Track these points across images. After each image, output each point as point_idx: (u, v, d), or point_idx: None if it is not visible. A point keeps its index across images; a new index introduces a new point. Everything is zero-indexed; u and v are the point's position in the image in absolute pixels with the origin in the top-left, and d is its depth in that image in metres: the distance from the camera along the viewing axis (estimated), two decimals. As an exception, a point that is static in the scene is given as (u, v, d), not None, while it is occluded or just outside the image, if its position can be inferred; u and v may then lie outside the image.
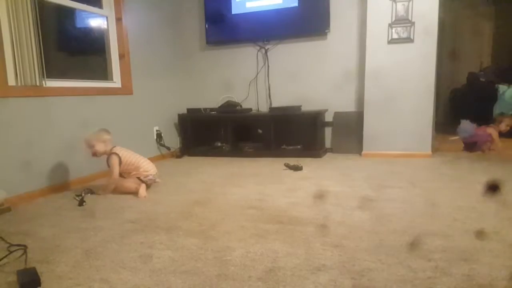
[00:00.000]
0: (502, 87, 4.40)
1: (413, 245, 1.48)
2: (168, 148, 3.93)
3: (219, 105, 4.01)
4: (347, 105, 3.76)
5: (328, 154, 3.72)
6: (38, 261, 1.46)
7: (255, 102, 4.07)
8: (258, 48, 3.99)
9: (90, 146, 2.46)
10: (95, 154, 2.49)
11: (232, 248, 1.51)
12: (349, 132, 3.70)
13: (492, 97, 4.42)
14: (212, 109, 4.00)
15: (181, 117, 4.06)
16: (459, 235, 1.57)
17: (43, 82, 2.49)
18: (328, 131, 3.87)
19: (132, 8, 3.44)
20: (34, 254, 1.52)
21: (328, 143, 3.88)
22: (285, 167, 3.04)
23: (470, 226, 1.66)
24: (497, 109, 4.37)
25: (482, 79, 4.87)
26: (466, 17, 5.55)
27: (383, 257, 1.38)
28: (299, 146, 3.72)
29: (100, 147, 2.47)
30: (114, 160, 2.48)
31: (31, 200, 2.40)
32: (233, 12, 3.95)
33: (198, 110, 4.02)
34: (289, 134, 3.79)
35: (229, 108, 3.92)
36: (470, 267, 1.28)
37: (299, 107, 3.73)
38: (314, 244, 1.52)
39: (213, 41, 4.12)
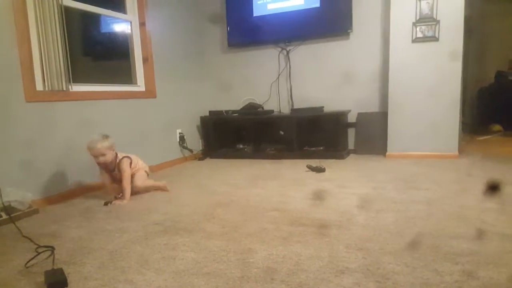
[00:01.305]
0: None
1: (439, 247, 1.44)
2: (191, 151, 3.99)
3: (241, 107, 4.03)
4: (371, 105, 3.70)
5: (351, 155, 3.68)
6: (65, 262, 1.50)
7: (277, 103, 4.07)
8: (279, 49, 3.99)
9: (102, 155, 2.33)
10: (104, 163, 2.37)
11: (254, 250, 1.52)
12: (372, 133, 3.64)
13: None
14: (234, 111, 4.03)
15: (203, 120, 4.11)
16: (487, 238, 1.52)
17: (69, 86, 2.58)
18: (351, 132, 3.82)
19: (155, 12, 3.51)
20: (61, 255, 1.57)
21: (351, 144, 3.83)
22: (307, 169, 3.03)
23: (499, 229, 1.60)
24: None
25: (510, 78, 4.69)
26: (494, 13, 5.35)
27: (408, 260, 1.35)
28: (321, 148, 3.69)
29: (110, 156, 2.38)
30: (127, 164, 2.44)
31: (59, 202, 2.49)
32: (254, 15, 3.97)
33: (220, 112, 4.06)
34: (312, 135, 3.77)
35: (251, 110, 3.93)
36: (498, 271, 1.24)
37: (321, 108, 3.70)
38: (338, 247, 1.51)
39: (234, 44, 4.15)
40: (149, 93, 3.46)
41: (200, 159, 3.97)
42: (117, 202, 2.38)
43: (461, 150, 3.32)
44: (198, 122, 4.15)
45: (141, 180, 2.54)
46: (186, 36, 4.03)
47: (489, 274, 1.23)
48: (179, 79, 3.87)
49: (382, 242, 1.54)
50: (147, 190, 2.60)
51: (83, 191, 2.69)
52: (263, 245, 1.56)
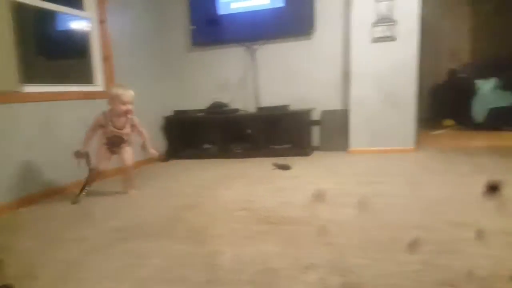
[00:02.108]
0: (480, 83, 4.52)
1: (400, 238, 1.50)
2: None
3: (207, 106, 3.99)
4: (334, 103, 3.79)
5: (316, 152, 3.75)
6: (17, 277, 1.40)
7: (243, 102, 4.06)
8: (245, 48, 3.98)
9: (132, 103, 2.37)
10: (131, 112, 2.39)
11: (222, 252, 1.50)
12: (336, 130, 3.73)
13: (471, 92, 4.53)
14: (199, 111, 3.98)
15: (168, 120, 4.02)
16: (445, 227, 1.60)
17: (21, 87, 2.42)
18: (316, 130, 3.90)
19: (116, 10, 3.39)
20: (12, 269, 1.46)
21: (316, 141, 3.91)
22: (274, 167, 3.05)
23: (455, 218, 1.69)
24: (476, 105, 4.48)
25: (461, 75, 4.99)
26: (446, 16, 5.66)
27: (371, 253, 1.40)
28: (287, 145, 3.74)
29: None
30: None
31: (8, 211, 2.33)
32: (219, 13, 3.94)
33: (185, 112, 3.99)
34: (278, 133, 3.80)
35: (217, 109, 3.90)
36: (454, 258, 1.32)
37: (286, 107, 3.75)
38: (304, 243, 1.53)
39: (199, 43, 4.10)
40: (109, 93, 3.33)
41: (164, 160, 3.88)
42: (132, 192, 2.46)
43: (417, 144, 3.48)
44: (162, 122, 4.06)
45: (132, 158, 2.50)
46: (149, 34, 3.92)
47: (446, 262, 1.29)
48: (141, 79, 3.76)
49: (347, 236, 1.58)
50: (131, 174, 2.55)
51: (46, 194, 2.55)
52: (230, 246, 1.55)
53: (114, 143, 2.46)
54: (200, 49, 4.15)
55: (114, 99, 2.35)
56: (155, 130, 4.00)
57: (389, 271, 1.26)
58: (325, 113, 3.81)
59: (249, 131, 3.83)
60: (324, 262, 1.35)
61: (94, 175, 2.50)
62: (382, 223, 1.71)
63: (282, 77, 3.93)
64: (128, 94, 2.35)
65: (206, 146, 4.02)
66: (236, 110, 3.94)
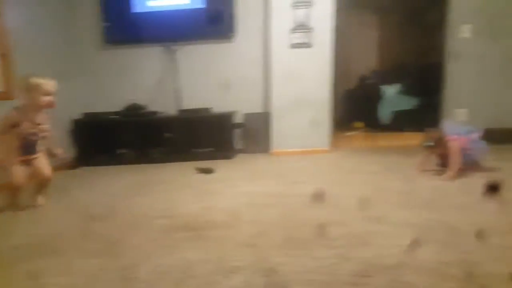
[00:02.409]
0: (385, 88, 5.01)
1: (319, 236, 1.56)
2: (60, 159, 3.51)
3: (123, 108, 3.74)
4: (256, 106, 3.85)
5: (240, 155, 3.76)
6: None
7: (163, 104, 3.90)
8: (164, 49, 3.83)
9: (54, 93, 2.12)
10: (54, 104, 2.13)
11: (139, 264, 1.40)
12: (258, 132, 3.79)
13: (378, 96, 5.00)
14: (114, 113, 3.71)
15: (77, 123, 3.67)
16: (357, 222, 1.71)
17: None
18: (239, 132, 3.91)
19: (15, 2, 2.99)
20: None
21: (239, 144, 3.93)
22: (196, 171, 2.97)
23: (366, 213, 1.82)
24: (382, 108, 4.94)
25: (370, 81, 5.47)
26: (357, 24, 6.16)
27: (292, 251, 1.43)
28: (210, 149, 3.68)
29: None
30: None
31: None
32: (133, 11, 3.73)
33: (98, 114, 3.69)
34: (200, 137, 3.72)
35: (134, 111, 3.68)
36: (366, 250, 1.41)
37: (208, 109, 3.69)
38: (227, 247, 1.50)
39: (113, 41, 3.83)
40: (6, 94, 2.93)
41: (72, 168, 3.52)
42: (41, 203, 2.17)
43: (332, 145, 3.71)
44: (70, 126, 3.69)
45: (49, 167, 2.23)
46: (55, 30, 3.54)
47: (359, 254, 1.37)
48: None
49: (269, 236, 1.60)
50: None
51: None
52: (148, 257, 1.45)
53: (31, 145, 2.15)
54: (114, 47, 3.88)
55: (33, 90, 2.06)
56: (62, 134, 3.60)
57: (308, 267, 1.29)
58: (248, 116, 3.85)
59: (169, 134, 3.69)
60: (247, 264, 1.34)
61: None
62: (302, 222, 1.76)
63: (204, 79, 3.87)
64: (51, 83, 2.11)
65: (121, 151, 3.76)
66: (155, 113, 3.76)
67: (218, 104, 3.78)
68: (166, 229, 1.75)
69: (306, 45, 3.53)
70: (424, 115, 4.22)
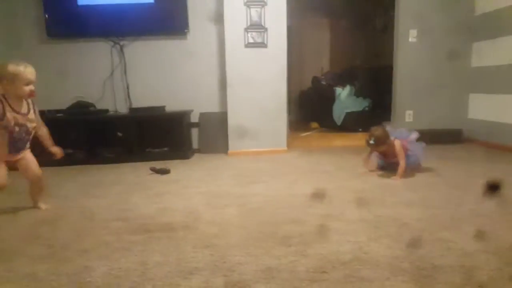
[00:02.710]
0: (338, 90, 5.20)
1: (276, 233, 1.59)
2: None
3: (68, 106, 3.52)
4: (213, 105, 3.82)
5: (196, 155, 3.71)
6: None
7: (113, 102, 3.74)
8: (112, 44, 3.67)
9: (34, 81, 1.95)
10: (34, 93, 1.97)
11: (92, 267, 1.33)
12: (215, 132, 3.76)
13: (331, 98, 5.18)
14: (58, 111, 3.49)
15: (19, 122, 3.40)
16: (313, 219, 1.77)
17: None
18: (195, 132, 3.86)
19: None
20: None
21: (195, 144, 3.87)
22: (151, 171, 2.89)
23: (321, 211, 1.88)
24: (335, 109, 5.13)
25: (323, 83, 5.64)
26: (309, 26, 6.34)
27: (251, 250, 1.44)
28: (165, 148, 3.59)
29: None
30: None
31: None
32: (79, 3, 3.53)
33: (41, 112, 3.42)
34: (154, 136, 3.61)
35: (81, 109, 3.49)
36: (322, 246, 1.45)
37: (163, 108, 3.60)
38: (185, 248, 1.48)
39: (56, 34, 3.60)
40: None
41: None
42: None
43: (288, 145, 3.79)
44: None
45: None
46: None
47: (315, 250, 1.42)
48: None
49: (227, 236, 1.60)
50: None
51: None
52: (102, 261, 1.39)
53: (19, 140, 1.99)
54: (59, 41, 3.65)
55: (13, 79, 1.88)
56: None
57: (267, 265, 1.31)
58: (204, 115, 3.81)
59: (120, 134, 3.54)
60: (206, 265, 1.33)
61: None
62: (260, 221, 1.78)
63: (156, 76, 3.76)
64: (30, 70, 1.97)
65: (69, 151, 3.54)
66: (105, 111, 3.60)
67: (172, 103, 3.70)
68: (121, 231, 1.69)
69: (261, 45, 3.56)
70: (376, 116, 4.45)
